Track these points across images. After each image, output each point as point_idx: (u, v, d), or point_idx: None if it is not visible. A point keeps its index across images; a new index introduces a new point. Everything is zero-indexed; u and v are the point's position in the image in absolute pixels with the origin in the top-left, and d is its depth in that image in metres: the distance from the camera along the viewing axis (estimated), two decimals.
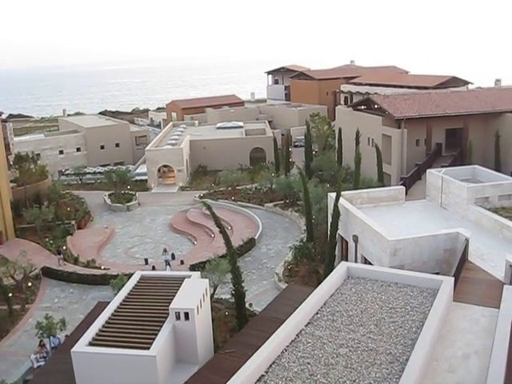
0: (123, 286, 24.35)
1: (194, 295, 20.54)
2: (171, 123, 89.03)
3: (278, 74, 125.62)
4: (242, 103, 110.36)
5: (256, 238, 44.58)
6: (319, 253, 37.07)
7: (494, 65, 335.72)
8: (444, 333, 17.18)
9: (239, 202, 54.75)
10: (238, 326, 27.16)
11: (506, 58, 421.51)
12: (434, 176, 33.23)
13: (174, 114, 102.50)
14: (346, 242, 31.04)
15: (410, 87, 77.79)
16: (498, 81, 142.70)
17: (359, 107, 61.22)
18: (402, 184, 42.16)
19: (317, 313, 17.40)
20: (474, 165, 37.10)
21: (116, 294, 23.74)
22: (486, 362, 15.09)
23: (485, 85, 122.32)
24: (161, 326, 19.81)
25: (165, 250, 40.99)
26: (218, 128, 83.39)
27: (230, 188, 58.11)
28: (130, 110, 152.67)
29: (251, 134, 76.31)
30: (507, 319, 17.16)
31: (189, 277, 23.04)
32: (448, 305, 18.29)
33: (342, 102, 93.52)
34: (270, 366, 14.63)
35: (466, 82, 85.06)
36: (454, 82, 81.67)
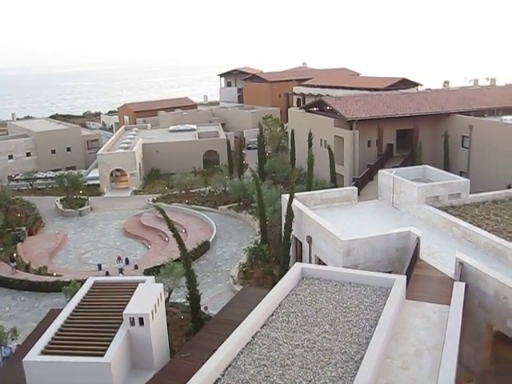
0: (76, 292, 23.93)
1: (148, 300, 20.32)
2: (123, 127, 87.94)
3: (231, 76, 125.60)
4: (194, 106, 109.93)
5: (210, 240, 44.44)
6: (274, 254, 37.18)
7: (442, 66, 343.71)
8: (397, 330, 17.44)
9: (193, 205, 54.51)
10: (193, 330, 27.04)
11: (454, 60, 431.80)
12: (386, 176, 33.72)
13: (126, 118, 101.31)
14: (300, 243, 31.20)
15: (361, 89, 78.76)
16: (446, 82, 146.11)
17: (312, 109, 61.72)
18: (354, 185, 42.75)
19: (272, 314, 17.42)
20: (424, 165, 37.75)
21: (69, 301, 23.28)
22: (438, 357, 15.39)
23: (434, 86, 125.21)
24: (115, 333, 19.54)
25: (119, 258, 40.29)
26: (171, 131, 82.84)
27: (183, 191, 57.82)
28: (81, 114, 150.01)
29: (204, 137, 76.12)
30: (457, 315, 17.56)
31: (143, 282, 22.80)
32: (401, 303, 18.58)
33: (295, 103, 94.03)
34: (226, 369, 14.56)
35: (415, 84, 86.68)
36: (404, 83, 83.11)
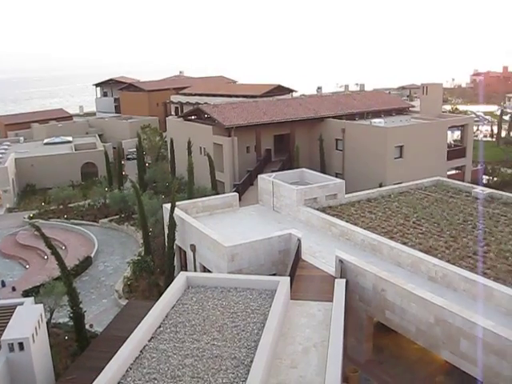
0: None
1: (27, 323, 19.32)
2: None
3: (107, 86, 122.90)
4: (70, 117, 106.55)
5: (92, 255, 43.11)
6: (158, 265, 36.72)
7: (315, 73, 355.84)
8: (285, 331, 17.82)
9: (72, 220, 52.61)
10: (79, 350, 26.04)
11: (326, 67, 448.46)
12: (265, 181, 34.37)
13: None
14: (184, 252, 31.06)
15: (238, 96, 79.87)
16: (319, 88, 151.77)
17: (190, 117, 61.71)
18: (235, 191, 43.20)
19: (159, 326, 17.20)
20: (301, 168, 38.87)
21: None
22: (325, 353, 15.91)
23: (308, 92, 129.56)
24: None
25: None
26: (46, 144, 79.69)
27: (61, 206, 55.71)
28: None
29: (81, 149, 73.84)
30: (340, 311, 18.25)
31: (21, 304, 21.64)
32: (286, 303, 19.01)
33: (173, 112, 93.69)
34: None
35: (290, 90, 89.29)
36: (279, 90, 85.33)
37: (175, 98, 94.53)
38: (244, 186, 48.90)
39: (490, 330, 16.71)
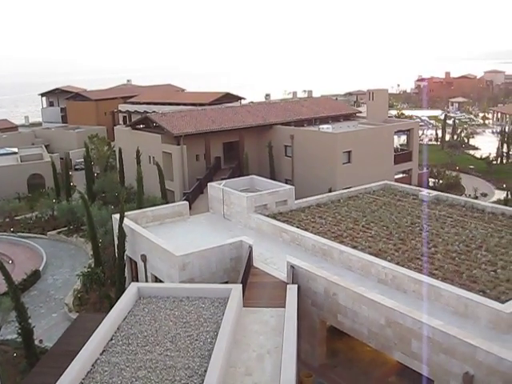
0: None
1: None
2: None
3: (53, 95, 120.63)
4: (15, 128, 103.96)
5: (41, 269, 42.11)
6: (109, 277, 36.17)
7: (263, 80, 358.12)
8: (238, 338, 17.78)
9: (19, 233, 51.32)
10: (28, 367, 25.41)
11: (274, 74, 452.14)
12: (215, 189, 34.32)
13: None
14: (135, 263, 30.69)
15: (186, 104, 79.71)
16: (267, 95, 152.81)
17: (138, 126, 61.13)
18: (185, 199, 42.99)
19: (111, 339, 16.91)
20: (251, 175, 38.98)
21: None
22: (279, 359, 15.92)
23: (256, 99, 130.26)
24: None
25: None
26: None
27: (7, 219, 54.29)
28: None
29: (27, 160, 72.01)
30: (293, 316, 18.32)
31: None
32: (239, 311, 18.98)
33: (121, 121, 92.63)
34: None
35: (238, 98, 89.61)
36: (228, 98, 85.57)
37: (123, 107, 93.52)
38: (194, 195, 48.73)
39: (439, 329, 17.11)
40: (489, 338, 17.27)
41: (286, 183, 42.16)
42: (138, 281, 29.56)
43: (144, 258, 28.06)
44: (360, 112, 72.53)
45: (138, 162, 52.21)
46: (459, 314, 19.78)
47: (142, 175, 44.68)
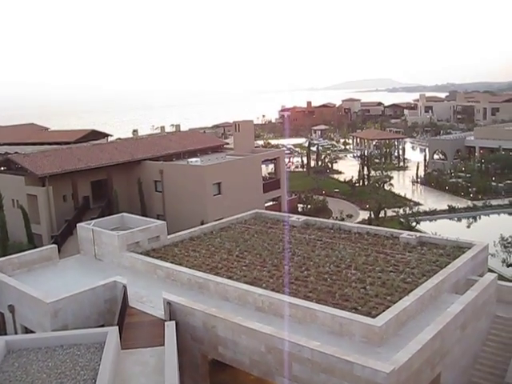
0: None
1: None
2: None
3: None
4: None
5: None
6: None
7: (130, 117, 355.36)
8: (118, 383, 17.17)
9: None
10: None
11: (142, 111, 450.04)
12: (85, 229, 33.22)
13: None
14: (2, 315, 28.78)
15: (51, 143, 77.15)
16: (135, 131, 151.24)
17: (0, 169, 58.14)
18: (53, 242, 41.25)
19: None
20: (121, 213, 38.16)
21: None
22: None
23: (123, 136, 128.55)
24: None
25: None
26: None
27: None
28: None
29: None
30: (172, 354, 18.05)
31: None
32: (117, 354, 18.36)
33: None
34: None
35: (105, 135, 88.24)
36: (94, 135, 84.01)
37: None
38: (63, 237, 46.90)
39: (317, 349, 17.59)
40: (364, 353, 18.01)
41: (158, 219, 41.67)
42: (6, 334, 27.71)
43: (12, 309, 26.41)
44: (227, 144, 73.84)
45: (1, 207, 49.45)
46: (335, 332, 20.44)
47: (5, 220, 42.41)
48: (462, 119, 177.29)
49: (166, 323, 20.91)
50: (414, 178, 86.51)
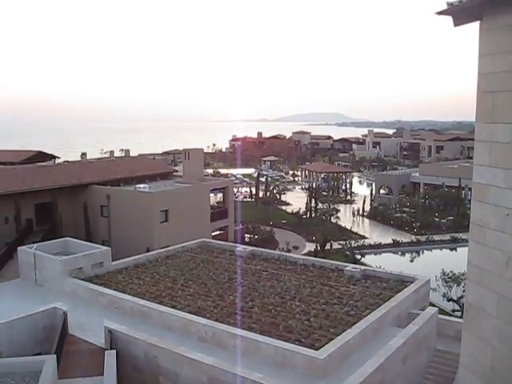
0: None
1: None
2: None
3: None
4: None
5: None
6: None
7: (79, 141, 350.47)
8: None
9: None
10: None
11: (89, 134, 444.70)
12: (26, 253, 32.32)
13: None
14: None
15: None
16: (83, 154, 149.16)
17: None
18: None
19: None
20: (66, 237, 37.32)
21: None
22: None
23: (72, 158, 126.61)
24: None
25: None
26: None
27: None
28: None
29: None
30: (112, 383, 17.58)
31: None
32: None
33: None
34: None
35: (53, 157, 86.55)
36: (41, 156, 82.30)
37: None
38: (2, 260, 45.32)
39: (260, 381, 17.46)
40: None
41: (103, 244, 40.92)
42: None
43: None
44: (177, 171, 73.52)
45: None
46: (278, 364, 20.35)
47: None
48: (407, 156, 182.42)
49: (106, 352, 20.40)
50: (361, 211, 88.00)
